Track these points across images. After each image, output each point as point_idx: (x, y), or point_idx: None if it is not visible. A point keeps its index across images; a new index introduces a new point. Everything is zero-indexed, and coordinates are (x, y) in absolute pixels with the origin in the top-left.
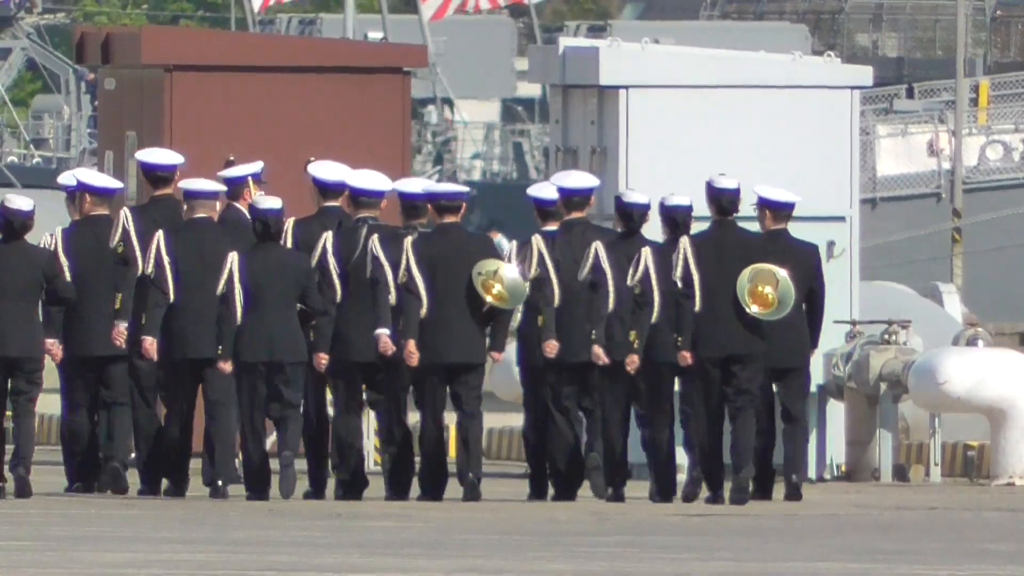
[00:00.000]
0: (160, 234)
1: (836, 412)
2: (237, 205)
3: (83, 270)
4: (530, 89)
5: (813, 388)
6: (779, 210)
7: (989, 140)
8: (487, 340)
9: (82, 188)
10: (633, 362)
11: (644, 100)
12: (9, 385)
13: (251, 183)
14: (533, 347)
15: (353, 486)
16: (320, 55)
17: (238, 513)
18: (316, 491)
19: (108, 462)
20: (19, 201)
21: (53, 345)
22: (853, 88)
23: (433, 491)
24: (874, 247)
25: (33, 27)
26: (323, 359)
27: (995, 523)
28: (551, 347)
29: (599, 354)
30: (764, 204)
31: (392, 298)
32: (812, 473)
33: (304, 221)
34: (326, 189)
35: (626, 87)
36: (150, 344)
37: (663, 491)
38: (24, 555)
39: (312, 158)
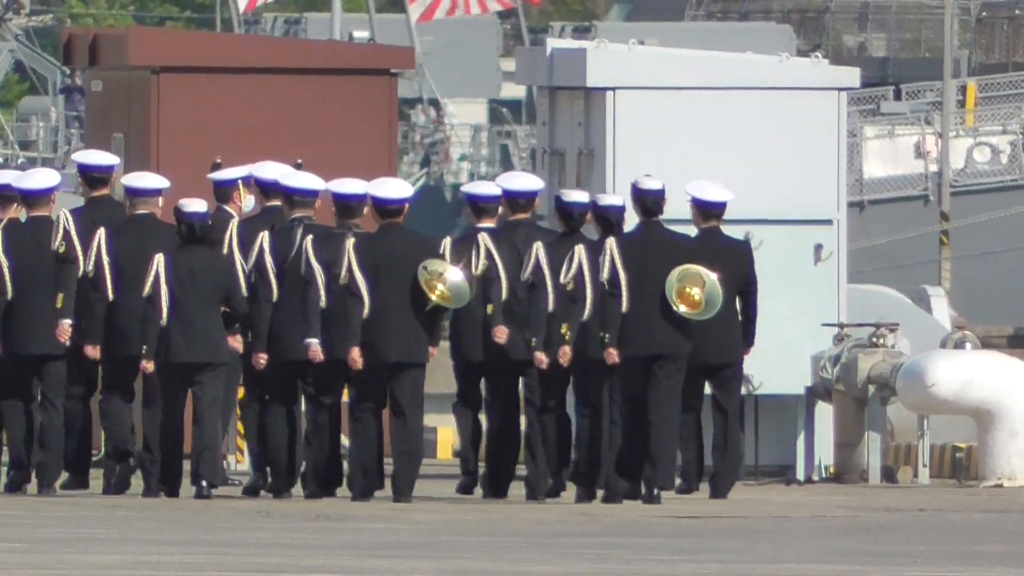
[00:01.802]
0: (101, 232)
1: (824, 414)
2: (226, 208)
3: (22, 270)
4: (515, 90)
5: (801, 390)
6: (708, 209)
7: (976, 142)
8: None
9: (12, 190)
10: (565, 354)
11: (631, 102)
12: None
13: (241, 186)
14: (466, 344)
15: (282, 488)
16: (308, 56)
17: (227, 514)
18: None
19: (40, 465)
20: None
21: None
22: (840, 89)
23: (367, 490)
24: (861, 250)
25: (21, 29)
26: (262, 358)
27: (983, 524)
28: (501, 332)
29: (541, 359)
30: (693, 203)
31: (323, 302)
32: (800, 475)
33: (248, 221)
34: (268, 189)
35: (613, 88)
36: (92, 351)
37: (589, 488)
38: (13, 556)
39: (299, 160)
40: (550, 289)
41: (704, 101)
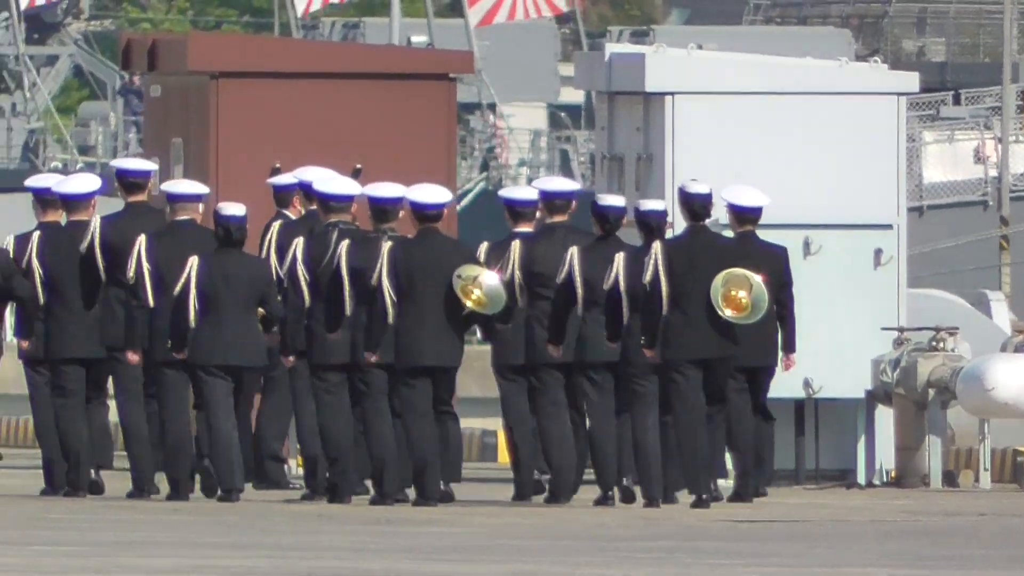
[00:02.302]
0: (142, 239)
1: (884, 418)
2: (286, 213)
3: (60, 274)
4: (574, 95)
5: (861, 394)
6: (744, 214)
7: None
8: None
9: (53, 195)
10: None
11: (690, 107)
12: None
13: (301, 191)
14: (506, 349)
15: (341, 487)
16: (367, 61)
17: (286, 518)
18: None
19: (95, 467)
20: None
21: (29, 346)
22: (899, 94)
23: (427, 494)
24: (921, 254)
25: (80, 34)
26: (291, 362)
27: None
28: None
29: (552, 352)
30: (728, 208)
31: (348, 310)
32: (861, 478)
33: (288, 225)
34: (309, 193)
35: (672, 93)
36: (133, 356)
37: (648, 494)
38: (71, 560)
39: (359, 165)
40: (579, 297)
41: (763, 106)
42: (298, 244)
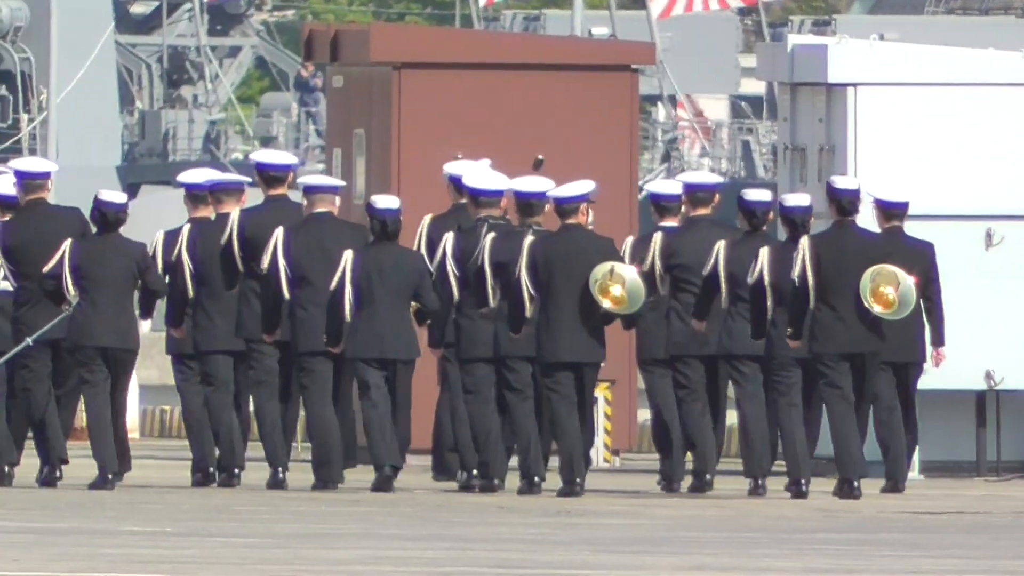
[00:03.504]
0: (279, 232)
1: None
2: (463, 203)
3: (206, 268)
4: (755, 86)
5: None
6: (890, 209)
7: None
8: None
9: (203, 188)
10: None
11: (873, 98)
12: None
13: (452, 184)
14: (650, 342)
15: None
16: (549, 52)
17: (466, 510)
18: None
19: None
20: (112, 195)
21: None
22: None
23: (573, 484)
24: None
25: (262, 25)
26: (439, 355)
27: None
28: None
29: (696, 326)
30: (875, 204)
31: (492, 302)
32: None
33: (439, 218)
34: (461, 187)
35: (855, 84)
36: (269, 339)
37: (796, 483)
38: (253, 552)
39: (541, 156)
40: (723, 289)
41: (946, 97)
42: (448, 239)
